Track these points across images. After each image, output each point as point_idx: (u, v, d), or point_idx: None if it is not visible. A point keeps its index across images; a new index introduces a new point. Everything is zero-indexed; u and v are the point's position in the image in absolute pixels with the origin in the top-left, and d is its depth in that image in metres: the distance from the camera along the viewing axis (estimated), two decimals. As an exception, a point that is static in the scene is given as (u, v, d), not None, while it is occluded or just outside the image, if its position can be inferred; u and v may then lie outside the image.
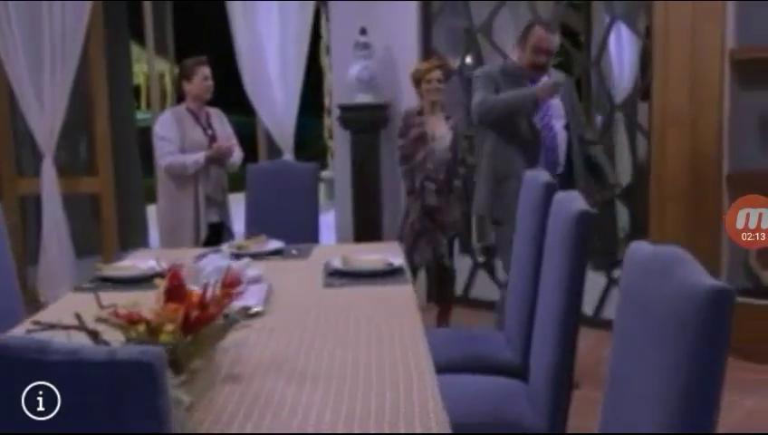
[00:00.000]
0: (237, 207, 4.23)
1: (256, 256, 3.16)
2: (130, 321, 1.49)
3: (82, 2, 5.03)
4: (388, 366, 1.83)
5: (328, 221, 5.66)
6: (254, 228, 3.87)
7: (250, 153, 5.47)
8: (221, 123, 4.15)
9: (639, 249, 1.52)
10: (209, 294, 1.66)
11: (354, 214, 5.13)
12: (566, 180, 3.46)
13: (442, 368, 2.62)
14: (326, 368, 1.83)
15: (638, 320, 1.44)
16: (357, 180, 5.11)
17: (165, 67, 13.98)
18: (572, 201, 2.17)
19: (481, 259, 5.18)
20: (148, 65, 5.31)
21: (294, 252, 3.26)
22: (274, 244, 3.32)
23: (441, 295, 4.27)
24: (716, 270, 3.97)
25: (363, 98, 4.99)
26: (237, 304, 1.92)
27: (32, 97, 5.10)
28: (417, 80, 4.06)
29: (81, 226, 5.61)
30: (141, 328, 1.49)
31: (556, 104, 3.56)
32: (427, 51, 5.08)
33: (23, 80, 5.06)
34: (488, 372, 2.58)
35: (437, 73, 4.02)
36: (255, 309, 2.30)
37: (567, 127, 3.59)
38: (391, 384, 1.71)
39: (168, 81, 14.06)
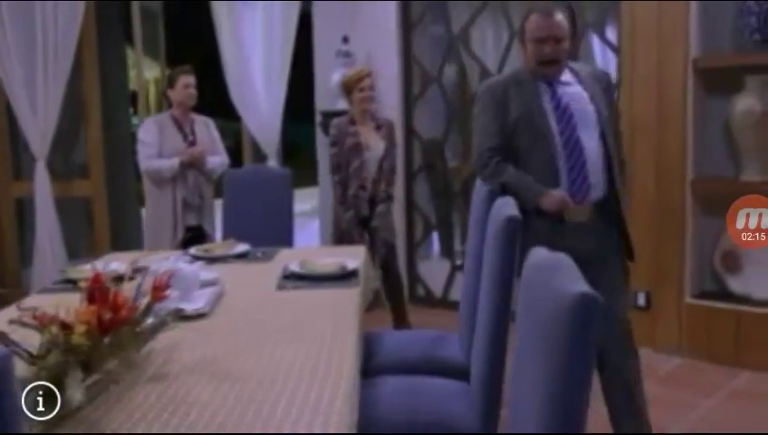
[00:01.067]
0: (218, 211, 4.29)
1: (222, 259, 3.23)
2: (43, 322, 1.52)
3: (75, 2, 5.08)
4: (310, 368, 1.85)
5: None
6: (230, 232, 3.93)
7: (235, 159, 5.53)
8: (206, 130, 4.23)
9: (536, 254, 1.55)
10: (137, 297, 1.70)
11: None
12: (606, 211, 2.73)
13: (395, 369, 2.69)
14: (251, 369, 1.86)
15: (528, 320, 1.49)
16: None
17: (149, 75, 14.07)
18: (503, 207, 2.20)
19: (459, 262, 5.20)
20: (137, 70, 5.34)
21: (259, 255, 3.30)
22: (241, 247, 3.37)
23: (391, 299, 4.31)
24: (681, 273, 3.98)
25: (344, 104, 5.01)
26: (169, 306, 1.96)
27: (25, 101, 5.16)
28: (348, 89, 4.08)
29: (75, 228, 5.67)
30: (54, 329, 1.53)
31: (581, 108, 2.70)
32: (408, 58, 5.11)
33: (16, 84, 5.13)
34: (440, 373, 2.61)
35: (368, 81, 4.04)
36: (201, 311, 2.34)
37: (602, 136, 2.71)
38: (307, 385, 1.74)
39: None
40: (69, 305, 1.67)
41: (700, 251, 4.01)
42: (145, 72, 6.46)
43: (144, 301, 1.82)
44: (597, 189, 2.69)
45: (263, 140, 5.21)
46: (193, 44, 5.24)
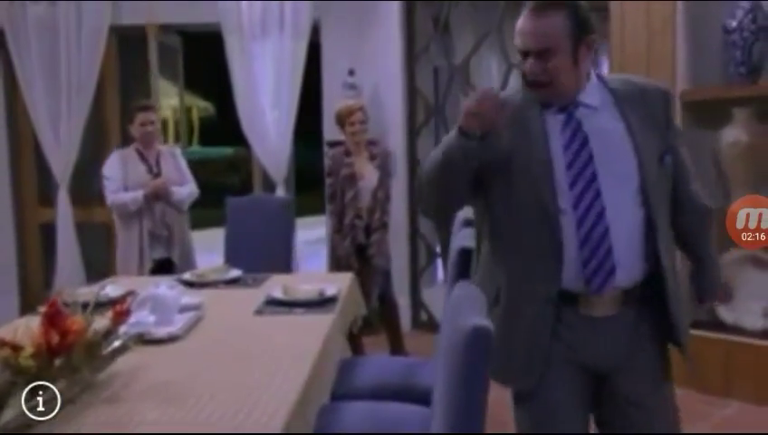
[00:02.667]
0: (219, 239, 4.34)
1: (213, 284, 3.31)
2: (-3, 345, 1.60)
3: (98, 38, 5.27)
4: (259, 391, 1.90)
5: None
6: (232, 259, 3.98)
7: (246, 187, 5.64)
8: (173, 161, 4.20)
9: (460, 286, 1.59)
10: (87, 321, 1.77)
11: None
12: (646, 298, 1.88)
13: (366, 395, 2.72)
14: (202, 391, 1.91)
15: (443, 348, 1.52)
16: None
17: (192, 102, 14.32)
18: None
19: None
20: (153, 95, 5.47)
21: (250, 281, 3.37)
22: (234, 273, 3.44)
23: (387, 326, 4.33)
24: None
25: (349, 135, 5.09)
26: (132, 331, 2.03)
27: (49, 132, 5.37)
28: (341, 122, 4.15)
29: (95, 252, 5.82)
30: (5, 352, 1.60)
31: (608, 148, 1.82)
32: (411, 90, 5.18)
33: (41, 116, 5.34)
34: (409, 399, 2.63)
35: (359, 115, 4.10)
36: (174, 334, 2.40)
37: (643, 191, 1.81)
38: (251, 407, 1.78)
39: (194, 115, 14.43)
40: (33, 329, 1.75)
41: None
42: (166, 101, 6.66)
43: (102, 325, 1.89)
44: (627, 271, 1.81)
45: (271, 169, 5.30)
46: (211, 76, 5.35)
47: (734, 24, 3.67)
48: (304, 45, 5.21)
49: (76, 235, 5.51)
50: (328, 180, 4.17)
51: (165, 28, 5.55)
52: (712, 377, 3.81)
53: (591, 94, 1.85)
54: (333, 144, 5.16)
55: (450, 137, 1.80)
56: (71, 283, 5.39)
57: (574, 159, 1.80)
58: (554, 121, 1.84)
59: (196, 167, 14.56)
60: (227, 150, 14.47)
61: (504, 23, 4.62)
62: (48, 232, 5.71)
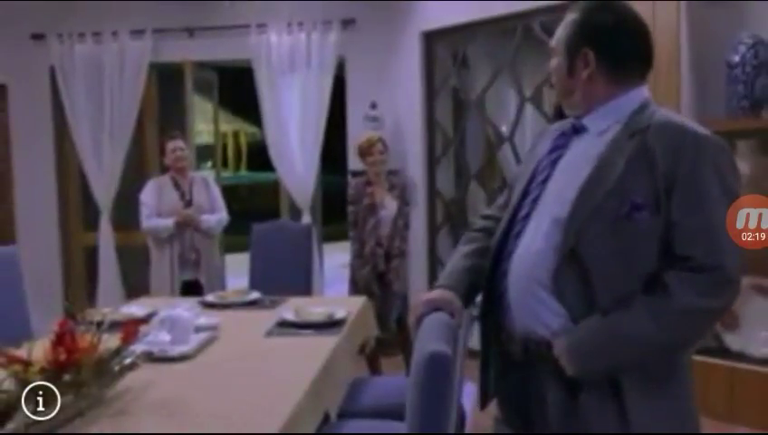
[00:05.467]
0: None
1: (232, 306, 3.38)
2: (9, 360, 1.68)
3: (138, 74, 5.48)
4: (255, 407, 1.95)
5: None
6: (256, 282, 4.08)
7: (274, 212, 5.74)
8: (205, 189, 4.35)
9: (429, 318, 1.61)
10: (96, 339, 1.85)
11: (364, 268, 5.26)
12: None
13: (371, 413, 2.76)
14: (204, 407, 1.98)
15: (412, 370, 1.55)
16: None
17: (240, 127, 14.43)
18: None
19: (476, 313, 5.20)
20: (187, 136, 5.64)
21: (267, 303, 3.43)
22: (253, 295, 3.52)
23: (404, 349, 4.35)
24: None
25: (373, 165, 5.16)
26: (139, 349, 2.11)
27: (93, 162, 5.56)
28: (362, 153, 4.22)
29: (135, 273, 5.96)
30: (17, 367, 1.68)
31: (565, 176, 1.59)
32: (431, 122, 5.24)
33: (86, 146, 5.54)
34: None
35: (379, 146, 4.18)
36: (186, 354, 2.47)
37: (566, 233, 1.51)
38: (245, 423, 1.84)
39: (242, 140, 14.50)
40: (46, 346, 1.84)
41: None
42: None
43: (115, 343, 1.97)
44: (517, 318, 1.56)
45: (298, 197, 5.39)
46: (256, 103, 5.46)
47: (737, 59, 3.66)
48: (330, 79, 5.33)
49: (117, 257, 5.67)
50: (350, 208, 4.23)
51: (201, 64, 5.73)
52: (718, 402, 3.75)
53: (598, 119, 1.59)
54: (356, 174, 5.25)
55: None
56: (112, 302, 5.55)
57: (532, 179, 1.65)
58: (553, 144, 1.68)
59: (245, 191, 14.55)
60: (274, 175, 14.41)
61: (517, 57, 4.67)
62: (91, 255, 5.88)
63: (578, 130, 1.62)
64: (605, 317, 1.44)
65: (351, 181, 4.32)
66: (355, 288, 4.27)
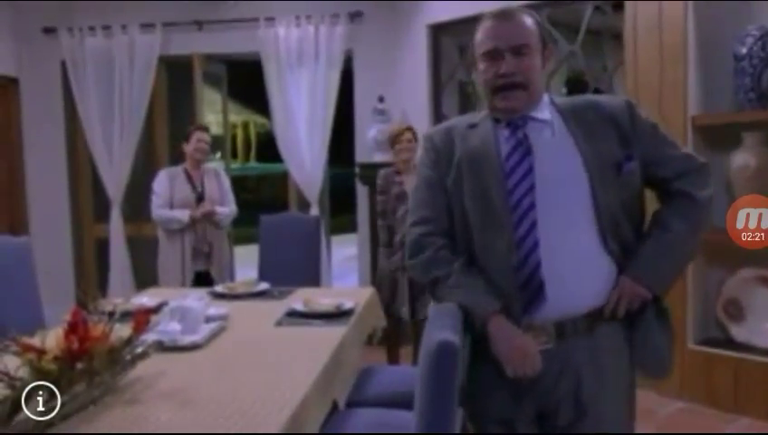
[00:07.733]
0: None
1: (242, 297, 3.39)
2: (24, 349, 1.69)
3: (148, 69, 5.49)
4: (264, 395, 1.96)
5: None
6: (266, 274, 4.09)
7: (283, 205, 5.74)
8: (216, 181, 4.33)
9: (434, 308, 1.61)
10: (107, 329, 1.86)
11: (373, 260, 5.26)
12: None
13: (380, 402, 2.76)
14: (213, 395, 1.98)
15: (420, 359, 1.55)
16: (375, 230, 5.24)
17: (250, 118, 14.37)
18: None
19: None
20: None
21: (276, 294, 3.44)
22: (262, 286, 3.52)
23: (418, 339, 4.34)
24: (683, 320, 3.89)
25: (380, 157, 5.16)
26: (150, 338, 2.12)
27: (104, 154, 5.58)
28: (392, 142, 4.20)
29: (145, 264, 5.98)
30: (32, 355, 1.69)
31: (555, 167, 1.69)
32: (438, 116, 5.23)
33: (96, 139, 5.56)
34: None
35: (408, 135, 4.15)
36: (196, 343, 2.48)
37: (596, 207, 1.66)
38: (254, 410, 1.85)
39: (251, 131, 14.46)
40: (59, 335, 1.85)
41: (704, 299, 3.91)
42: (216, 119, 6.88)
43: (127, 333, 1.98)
44: (560, 302, 1.62)
45: (306, 189, 5.39)
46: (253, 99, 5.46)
47: (744, 51, 3.63)
48: (337, 73, 5.33)
49: (127, 248, 5.69)
50: (379, 198, 4.19)
51: (210, 57, 5.73)
52: (723, 393, 3.74)
53: (542, 110, 1.75)
54: (365, 166, 5.25)
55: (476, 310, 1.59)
56: (122, 293, 5.58)
57: (513, 169, 1.68)
58: (503, 139, 1.73)
59: (253, 182, 14.37)
60: (283, 166, 14.32)
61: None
62: (102, 246, 5.91)
63: (519, 126, 1.73)
64: (648, 238, 1.73)
65: (380, 172, 4.30)
66: (379, 278, 4.24)
